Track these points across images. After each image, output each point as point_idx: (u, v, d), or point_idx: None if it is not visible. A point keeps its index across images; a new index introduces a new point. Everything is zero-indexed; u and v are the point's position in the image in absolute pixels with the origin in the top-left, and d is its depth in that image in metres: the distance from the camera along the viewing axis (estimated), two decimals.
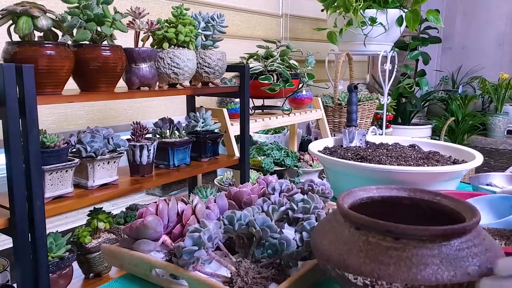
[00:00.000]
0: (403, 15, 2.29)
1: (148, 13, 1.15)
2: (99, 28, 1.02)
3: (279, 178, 0.78)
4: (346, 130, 1.21)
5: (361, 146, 1.19)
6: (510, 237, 0.67)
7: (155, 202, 0.64)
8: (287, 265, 0.58)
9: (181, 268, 0.55)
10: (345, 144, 1.19)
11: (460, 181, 1.06)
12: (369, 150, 1.13)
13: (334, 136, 2.03)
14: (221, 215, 0.64)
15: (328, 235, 0.51)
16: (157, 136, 1.31)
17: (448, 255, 0.44)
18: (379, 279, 0.43)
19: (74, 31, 0.99)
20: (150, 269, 0.59)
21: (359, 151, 1.11)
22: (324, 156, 1.02)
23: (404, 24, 2.32)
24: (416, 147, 1.16)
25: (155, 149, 1.21)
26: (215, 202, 0.69)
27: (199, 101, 1.57)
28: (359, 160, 1.02)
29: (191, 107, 1.51)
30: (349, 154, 1.08)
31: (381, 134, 2.45)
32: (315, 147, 1.14)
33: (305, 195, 0.70)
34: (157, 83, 1.20)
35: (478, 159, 0.99)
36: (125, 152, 1.15)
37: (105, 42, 1.04)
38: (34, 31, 0.92)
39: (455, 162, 1.02)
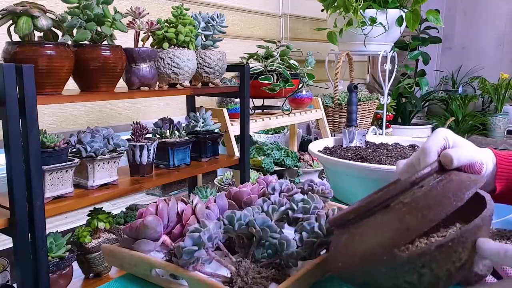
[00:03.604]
0: (403, 15, 2.29)
1: (148, 13, 1.15)
2: (99, 28, 1.02)
3: (279, 178, 0.78)
4: (346, 130, 1.21)
5: (361, 146, 1.19)
6: (510, 237, 0.67)
7: (155, 202, 0.64)
8: (287, 265, 0.58)
9: (181, 268, 0.55)
10: (345, 144, 1.20)
11: None
12: (369, 150, 1.13)
13: (334, 136, 2.03)
14: (221, 215, 0.64)
15: (342, 247, 0.50)
16: (157, 136, 1.31)
17: (432, 188, 0.49)
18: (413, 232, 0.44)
19: (74, 31, 0.99)
20: (150, 269, 0.59)
21: (359, 151, 1.11)
22: (324, 156, 1.02)
23: (404, 24, 2.32)
24: (416, 147, 1.16)
25: (155, 149, 1.21)
26: (215, 202, 0.69)
27: (199, 101, 1.57)
28: (359, 160, 1.02)
29: (191, 107, 1.51)
30: (349, 154, 1.08)
31: (381, 134, 2.45)
32: (315, 147, 1.14)
33: (305, 195, 0.70)
34: (157, 83, 1.20)
35: None
36: (125, 152, 1.15)
37: (105, 42, 1.04)
38: (34, 31, 0.92)
39: None
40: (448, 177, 0.52)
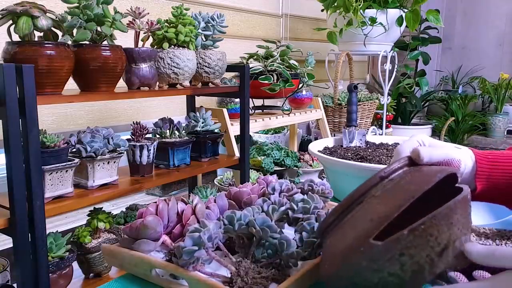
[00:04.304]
0: (403, 15, 2.29)
1: (148, 13, 1.15)
2: (99, 28, 1.02)
3: (279, 178, 0.78)
4: (346, 130, 1.21)
5: (361, 146, 1.20)
6: (511, 238, 0.67)
7: (155, 202, 0.64)
8: (287, 265, 0.58)
9: (181, 268, 0.55)
10: (345, 144, 1.20)
11: None
12: (369, 150, 1.13)
13: (334, 136, 2.03)
14: (221, 215, 0.64)
15: (333, 246, 0.50)
16: (157, 136, 1.31)
17: (400, 179, 0.52)
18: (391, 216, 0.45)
19: (74, 31, 0.99)
20: (150, 269, 0.59)
21: (359, 151, 1.11)
22: (324, 156, 1.02)
23: (404, 24, 2.32)
24: None
25: (155, 149, 1.21)
26: (215, 202, 0.69)
27: (199, 101, 1.57)
28: (359, 160, 1.02)
29: (191, 107, 1.51)
30: (349, 154, 1.08)
31: (381, 134, 2.45)
32: (315, 147, 1.14)
33: (305, 195, 0.70)
34: (157, 83, 1.20)
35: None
36: (125, 152, 1.15)
37: (105, 42, 1.04)
38: (34, 31, 0.92)
39: None
40: (419, 169, 0.54)
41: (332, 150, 1.14)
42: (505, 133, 3.32)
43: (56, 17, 0.97)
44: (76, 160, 1.02)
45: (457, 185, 0.52)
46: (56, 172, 0.97)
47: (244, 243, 0.61)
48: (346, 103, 2.09)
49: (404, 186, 0.49)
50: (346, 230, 0.48)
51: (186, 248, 0.54)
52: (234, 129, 1.52)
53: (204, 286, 0.53)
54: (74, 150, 1.05)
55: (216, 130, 1.42)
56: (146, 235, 0.60)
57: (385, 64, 2.41)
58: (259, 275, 0.55)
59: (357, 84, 1.30)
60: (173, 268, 0.56)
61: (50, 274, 0.98)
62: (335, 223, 0.51)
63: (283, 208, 0.68)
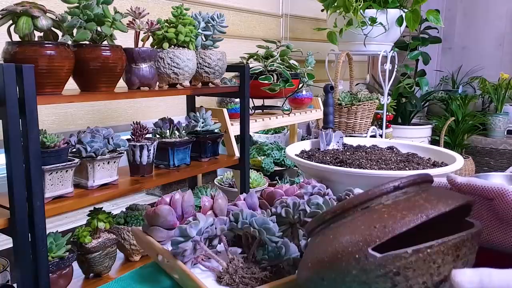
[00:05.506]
0: (403, 15, 2.29)
1: (148, 13, 1.15)
2: (99, 28, 1.02)
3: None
4: (323, 132, 1.14)
5: (339, 149, 1.15)
6: None
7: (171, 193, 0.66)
8: (287, 271, 0.57)
9: (173, 257, 0.56)
10: (322, 147, 1.14)
11: None
12: (347, 153, 1.08)
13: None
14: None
15: (314, 254, 0.46)
16: (157, 136, 1.31)
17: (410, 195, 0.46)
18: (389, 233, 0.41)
19: (74, 31, 0.99)
20: (156, 254, 0.61)
21: (337, 154, 1.06)
22: (301, 160, 0.96)
23: (404, 24, 2.32)
24: (394, 149, 1.12)
25: (155, 149, 1.21)
26: (244, 200, 0.70)
27: (199, 101, 1.57)
28: (339, 164, 0.98)
29: (191, 107, 1.51)
30: (328, 158, 1.03)
31: (381, 134, 2.45)
32: (292, 151, 1.08)
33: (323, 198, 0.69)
34: (157, 83, 1.20)
35: (459, 161, 0.94)
36: (125, 152, 1.15)
37: (105, 42, 1.04)
38: (34, 31, 0.92)
39: (434, 164, 0.99)
40: (438, 189, 0.49)
41: (310, 154, 1.09)
42: (505, 133, 3.32)
43: (56, 17, 0.97)
44: (76, 160, 1.02)
45: (467, 218, 0.48)
46: (56, 172, 0.97)
47: (249, 242, 0.62)
48: (346, 103, 2.09)
49: (418, 202, 0.44)
50: (343, 230, 0.45)
51: (173, 238, 0.56)
52: (234, 129, 1.52)
53: (184, 275, 0.54)
54: (74, 150, 1.05)
55: (216, 130, 1.42)
56: (158, 223, 0.62)
57: (385, 64, 2.41)
58: (249, 275, 0.55)
59: (332, 85, 1.23)
60: (167, 255, 0.57)
61: (50, 274, 0.98)
62: (331, 221, 0.47)
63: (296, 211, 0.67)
